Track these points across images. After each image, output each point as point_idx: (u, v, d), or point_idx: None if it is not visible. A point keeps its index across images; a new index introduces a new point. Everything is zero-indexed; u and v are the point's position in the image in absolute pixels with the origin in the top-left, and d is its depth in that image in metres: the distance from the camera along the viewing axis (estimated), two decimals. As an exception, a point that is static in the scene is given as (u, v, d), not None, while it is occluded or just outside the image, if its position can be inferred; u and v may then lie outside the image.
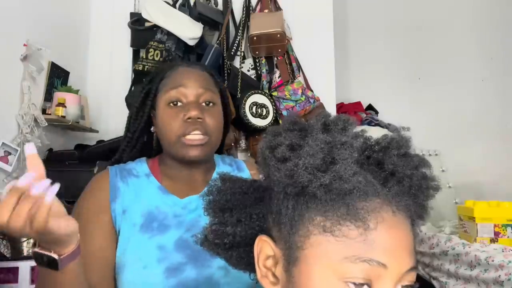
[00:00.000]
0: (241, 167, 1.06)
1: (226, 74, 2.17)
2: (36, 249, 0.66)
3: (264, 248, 0.54)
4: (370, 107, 2.95)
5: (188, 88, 0.94)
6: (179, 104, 0.94)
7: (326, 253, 0.48)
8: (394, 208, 0.49)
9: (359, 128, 0.54)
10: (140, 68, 1.99)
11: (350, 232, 0.47)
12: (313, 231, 0.49)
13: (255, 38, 2.15)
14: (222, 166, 1.04)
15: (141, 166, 0.99)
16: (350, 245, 0.47)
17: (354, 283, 0.46)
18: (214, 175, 1.00)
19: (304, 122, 0.53)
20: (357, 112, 2.81)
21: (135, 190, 0.93)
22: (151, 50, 2.03)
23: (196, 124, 0.91)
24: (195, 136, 0.91)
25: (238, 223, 0.55)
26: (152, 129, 1.02)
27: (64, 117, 1.82)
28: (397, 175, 0.51)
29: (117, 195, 0.92)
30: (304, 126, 0.52)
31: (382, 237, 0.47)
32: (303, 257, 0.49)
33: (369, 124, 2.70)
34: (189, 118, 0.91)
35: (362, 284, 0.47)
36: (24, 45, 1.72)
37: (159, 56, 2.01)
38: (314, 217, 0.49)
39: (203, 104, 0.95)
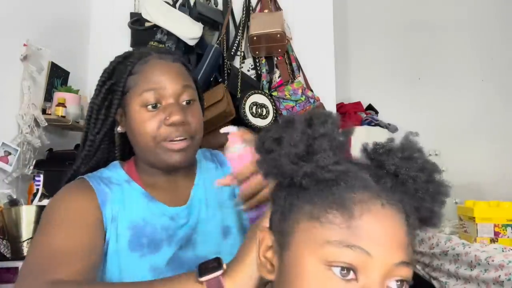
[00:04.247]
0: (223, 161, 0.99)
1: (226, 74, 2.17)
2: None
3: (265, 239, 0.56)
4: (370, 107, 2.95)
5: (166, 88, 0.84)
6: (158, 105, 0.84)
7: (312, 238, 0.50)
8: (384, 201, 0.50)
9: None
10: (140, 68, 1.99)
11: (335, 219, 0.49)
12: (302, 218, 0.51)
13: (255, 38, 2.15)
14: (205, 163, 0.98)
15: (117, 173, 0.89)
16: (334, 230, 0.48)
17: (339, 267, 0.48)
18: (197, 176, 0.95)
19: (292, 117, 0.55)
20: (357, 112, 2.81)
21: (120, 198, 0.85)
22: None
23: (179, 129, 0.83)
24: (179, 142, 0.83)
25: None
26: (119, 129, 0.91)
27: (64, 117, 1.82)
28: (400, 177, 0.52)
29: (106, 199, 0.83)
30: (290, 120, 0.54)
31: (367, 226, 0.48)
32: (292, 242, 0.52)
33: (369, 124, 2.70)
34: (172, 123, 0.82)
35: (348, 270, 0.48)
36: (24, 45, 1.72)
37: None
38: (304, 205, 0.51)
39: (183, 103, 0.86)
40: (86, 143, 0.92)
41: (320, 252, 0.48)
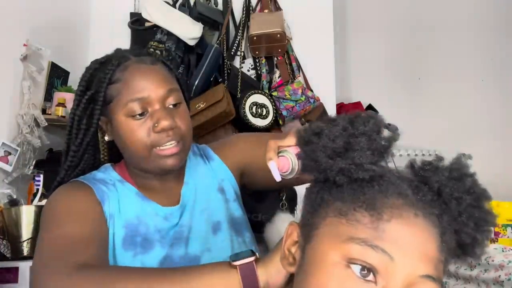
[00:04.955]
0: (209, 155, 0.99)
1: (226, 74, 2.17)
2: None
3: (293, 234, 0.57)
4: (370, 107, 2.95)
5: (151, 95, 0.83)
6: (145, 113, 0.83)
7: (336, 233, 0.49)
8: (418, 212, 0.48)
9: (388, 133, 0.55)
10: (140, 68, 1.99)
11: (363, 218, 0.48)
12: (330, 213, 0.51)
13: (255, 38, 2.15)
14: (194, 159, 0.98)
15: (110, 174, 0.90)
16: (359, 229, 0.47)
17: (359, 266, 0.46)
18: (186, 174, 0.94)
19: (337, 116, 0.55)
20: (357, 112, 2.81)
21: (116, 196, 0.86)
22: (151, 50, 2.03)
23: (170, 133, 0.83)
24: (171, 147, 0.83)
25: None
26: (106, 138, 0.91)
27: (64, 117, 1.82)
28: (443, 196, 0.50)
29: (104, 197, 0.84)
30: (334, 118, 0.54)
31: (395, 230, 0.46)
32: (316, 235, 0.51)
33: (369, 124, 2.70)
34: (161, 129, 0.82)
35: (369, 271, 0.46)
36: (24, 45, 1.72)
37: (159, 56, 2.01)
38: (334, 201, 0.51)
39: (170, 106, 0.85)
40: (69, 153, 0.91)
41: (342, 247, 0.47)
